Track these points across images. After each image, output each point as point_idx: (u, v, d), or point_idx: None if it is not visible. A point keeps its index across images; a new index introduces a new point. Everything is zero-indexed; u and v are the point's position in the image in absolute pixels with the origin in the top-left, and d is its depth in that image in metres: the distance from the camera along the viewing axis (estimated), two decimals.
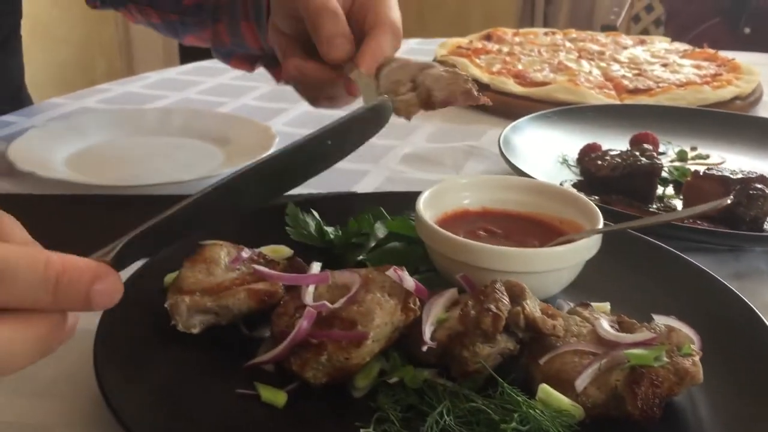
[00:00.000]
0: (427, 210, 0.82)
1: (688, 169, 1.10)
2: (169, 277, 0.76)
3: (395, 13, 0.93)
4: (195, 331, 0.70)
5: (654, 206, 1.00)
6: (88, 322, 0.71)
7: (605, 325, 0.66)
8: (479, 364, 0.63)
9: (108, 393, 0.61)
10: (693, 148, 1.31)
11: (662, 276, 0.81)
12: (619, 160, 1.04)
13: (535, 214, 0.86)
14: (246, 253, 0.77)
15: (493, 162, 1.29)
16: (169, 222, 0.53)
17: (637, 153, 1.06)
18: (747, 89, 1.56)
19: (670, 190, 1.11)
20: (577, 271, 0.77)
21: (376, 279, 0.70)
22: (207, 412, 0.63)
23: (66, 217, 1.01)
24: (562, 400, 0.60)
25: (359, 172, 1.22)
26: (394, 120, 1.18)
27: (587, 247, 0.75)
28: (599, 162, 1.06)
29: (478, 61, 1.71)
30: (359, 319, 0.65)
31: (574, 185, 1.07)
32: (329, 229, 0.89)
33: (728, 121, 1.40)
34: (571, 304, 0.79)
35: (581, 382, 0.61)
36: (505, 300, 0.65)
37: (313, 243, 0.88)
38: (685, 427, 0.63)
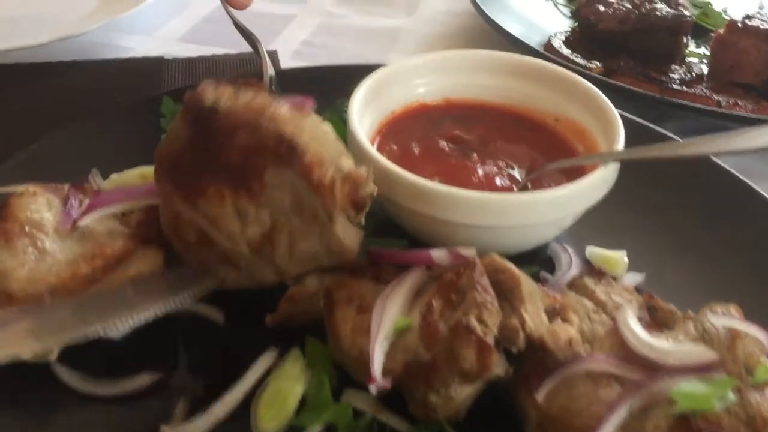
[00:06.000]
0: (366, 114, 0.56)
1: (719, 15, 0.83)
2: None
3: None
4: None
5: (676, 72, 0.74)
6: None
7: (633, 325, 0.44)
8: (453, 411, 0.41)
9: None
10: None
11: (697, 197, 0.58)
12: (630, 7, 0.77)
13: (521, 107, 0.61)
14: (75, 197, 0.51)
15: (457, 0, 0.99)
16: None
17: None
18: None
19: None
20: (583, 212, 0.53)
21: None
22: None
23: None
24: None
25: (282, 18, 0.93)
26: None
27: (603, 181, 0.51)
28: (602, 8, 0.78)
29: None
30: None
31: (567, 39, 0.80)
32: None
33: None
34: (570, 250, 0.56)
35: None
36: (492, 305, 0.41)
37: None
38: None
